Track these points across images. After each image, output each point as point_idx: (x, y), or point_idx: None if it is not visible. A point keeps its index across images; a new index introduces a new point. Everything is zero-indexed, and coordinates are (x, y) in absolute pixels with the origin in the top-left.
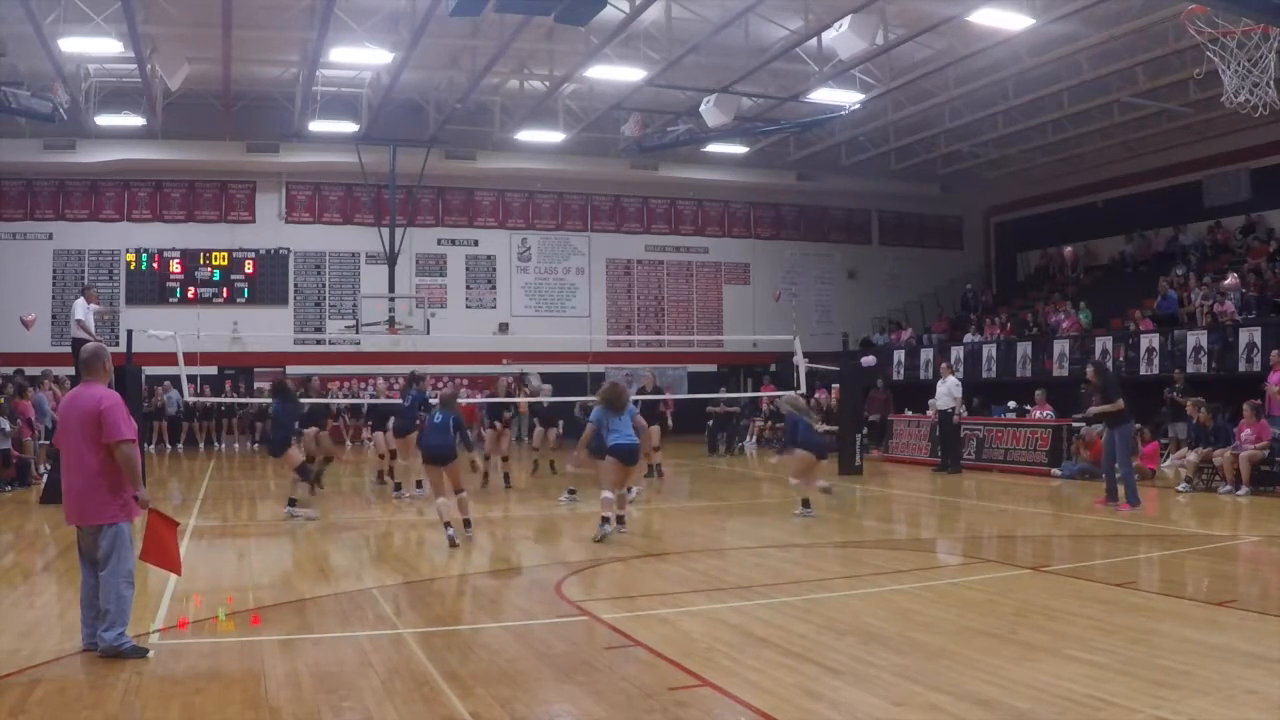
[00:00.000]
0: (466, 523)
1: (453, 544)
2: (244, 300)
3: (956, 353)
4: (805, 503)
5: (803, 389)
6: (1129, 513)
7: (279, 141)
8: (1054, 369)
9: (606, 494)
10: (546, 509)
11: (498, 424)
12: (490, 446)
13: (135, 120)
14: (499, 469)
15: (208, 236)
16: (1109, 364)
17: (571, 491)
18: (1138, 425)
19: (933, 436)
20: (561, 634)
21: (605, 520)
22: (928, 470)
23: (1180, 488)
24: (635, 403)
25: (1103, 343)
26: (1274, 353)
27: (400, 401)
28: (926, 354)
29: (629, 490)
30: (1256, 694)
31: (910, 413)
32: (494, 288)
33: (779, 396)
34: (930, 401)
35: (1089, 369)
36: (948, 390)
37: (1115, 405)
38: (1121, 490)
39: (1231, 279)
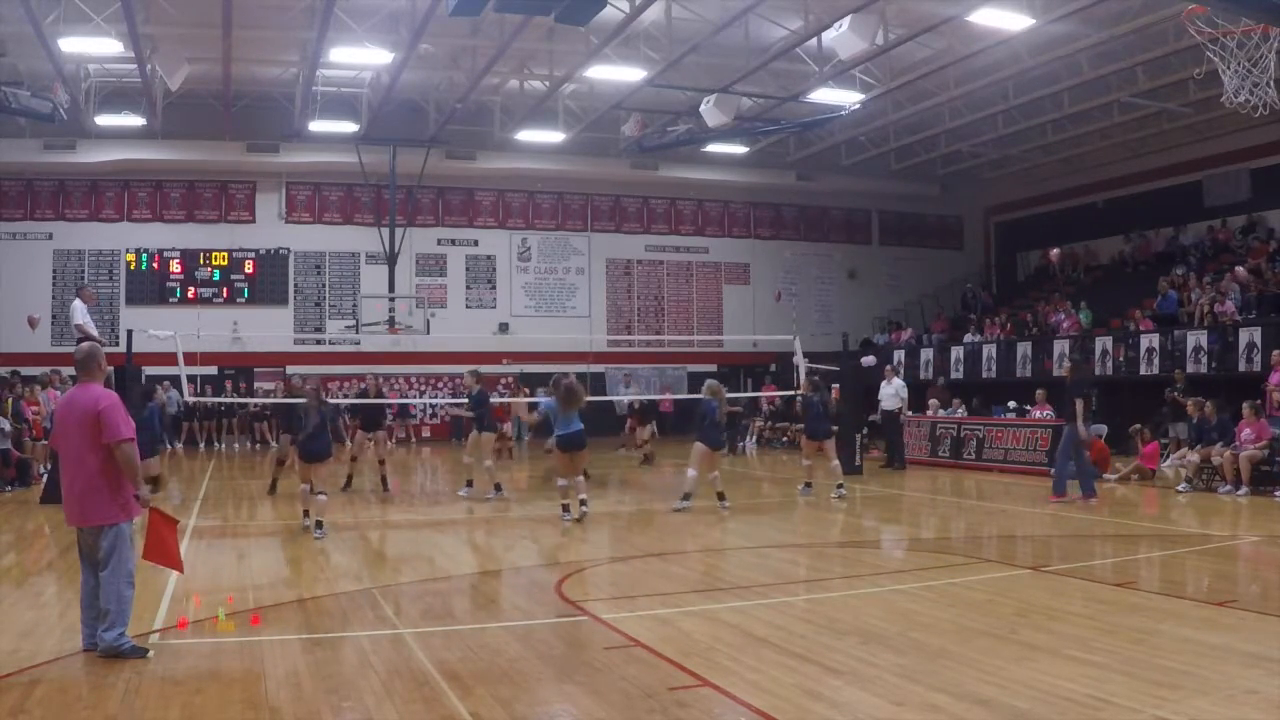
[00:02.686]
0: (319, 524)
1: (307, 530)
2: (244, 300)
3: (956, 353)
4: (566, 508)
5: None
6: (1055, 504)
7: (279, 141)
8: (1054, 369)
9: (561, 481)
10: (546, 510)
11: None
12: (470, 450)
13: (135, 120)
14: (493, 476)
15: (208, 236)
16: (1109, 365)
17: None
18: (1138, 425)
19: (885, 436)
20: (561, 634)
21: (566, 508)
22: (928, 470)
23: (1180, 488)
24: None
25: (1103, 343)
26: (1275, 353)
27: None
28: (926, 354)
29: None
30: (1256, 694)
31: (911, 413)
32: (494, 288)
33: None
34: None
35: (1065, 364)
36: (894, 392)
37: (1074, 403)
38: (1071, 483)
39: (1239, 271)
